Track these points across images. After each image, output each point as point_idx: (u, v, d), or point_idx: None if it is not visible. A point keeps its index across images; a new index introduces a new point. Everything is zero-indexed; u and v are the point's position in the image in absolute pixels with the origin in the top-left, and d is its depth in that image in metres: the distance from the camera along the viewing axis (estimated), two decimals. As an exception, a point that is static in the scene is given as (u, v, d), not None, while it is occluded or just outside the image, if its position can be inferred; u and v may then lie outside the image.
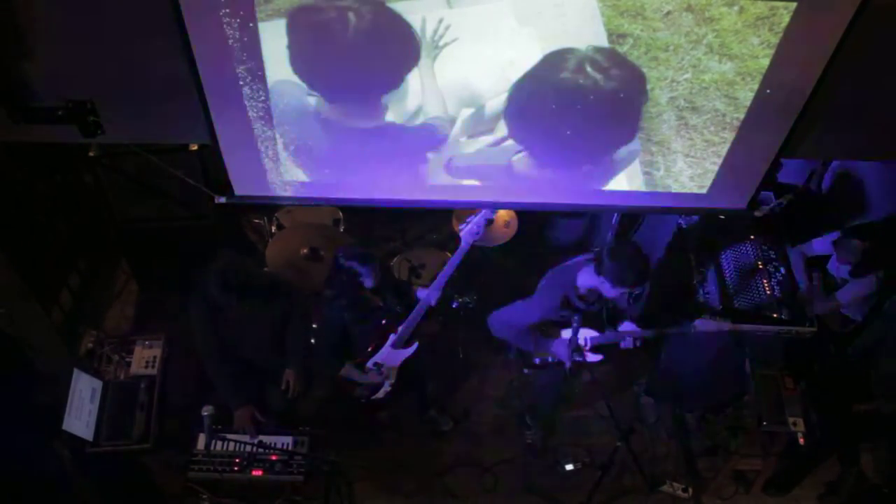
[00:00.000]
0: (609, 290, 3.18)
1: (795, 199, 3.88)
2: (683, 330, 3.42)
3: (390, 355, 3.69)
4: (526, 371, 3.84)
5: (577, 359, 3.48)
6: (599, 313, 3.50)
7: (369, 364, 3.69)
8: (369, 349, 3.66)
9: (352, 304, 3.48)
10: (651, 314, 3.83)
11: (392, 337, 3.64)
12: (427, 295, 3.51)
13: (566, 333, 3.46)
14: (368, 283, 3.42)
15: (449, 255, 3.90)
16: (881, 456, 4.05)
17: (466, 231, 3.42)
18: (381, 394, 3.84)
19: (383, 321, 3.61)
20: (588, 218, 5.03)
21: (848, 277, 3.81)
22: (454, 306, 4.30)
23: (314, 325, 3.93)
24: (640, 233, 4.93)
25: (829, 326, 3.92)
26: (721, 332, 3.68)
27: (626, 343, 3.53)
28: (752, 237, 4.03)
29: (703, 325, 3.37)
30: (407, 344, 3.69)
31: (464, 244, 3.43)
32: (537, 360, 3.72)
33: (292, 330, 3.58)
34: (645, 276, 3.14)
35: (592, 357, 3.60)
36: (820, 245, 3.95)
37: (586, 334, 3.51)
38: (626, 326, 3.52)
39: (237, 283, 3.13)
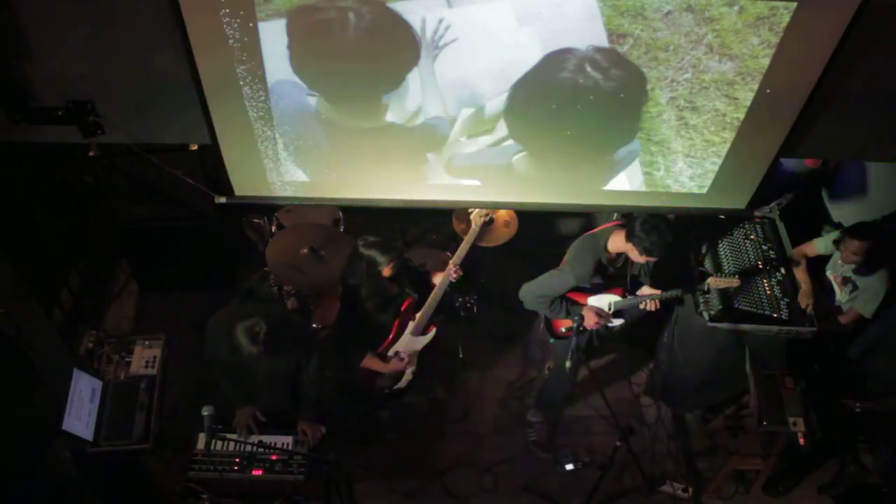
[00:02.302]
0: (636, 256, 3.32)
1: (795, 199, 3.89)
2: (697, 288, 3.56)
3: (410, 342, 3.70)
4: (552, 341, 3.85)
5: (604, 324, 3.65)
6: (624, 278, 3.60)
7: (390, 353, 3.69)
8: (390, 338, 3.67)
9: (371, 293, 3.49)
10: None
11: (411, 324, 3.64)
12: (446, 274, 3.58)
13: (592, 300, 3.59)
14: (387, 271, 3.42)
15: (449, 255, 3.93)
16: (881, 455, 4.05)
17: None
18: (403, 382, 3.83)
19: (402, 308, 3.62)
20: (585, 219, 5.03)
21: (851, 275, 3.81)
22: (454, 306, 4.30)
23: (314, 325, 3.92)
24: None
25: (829, 327, 3.92)
26: (721, 332, 3.69)
27: (646, 307, 3.59)
28: (751, 237, 4.03)
29: (714, 282, 3.46)
30: (426, 330, 3.71)
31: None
32: (563, 330, 3.75)
33: (307, 379, 3.42)
34: (669, 249, 3.26)
35: (615, 320, 3.67)
36: (820, 245, 3.94)
37: (610, 299, 3.60)
38: (645, 290, 3.58)
39: (264, 339, 2.99)
